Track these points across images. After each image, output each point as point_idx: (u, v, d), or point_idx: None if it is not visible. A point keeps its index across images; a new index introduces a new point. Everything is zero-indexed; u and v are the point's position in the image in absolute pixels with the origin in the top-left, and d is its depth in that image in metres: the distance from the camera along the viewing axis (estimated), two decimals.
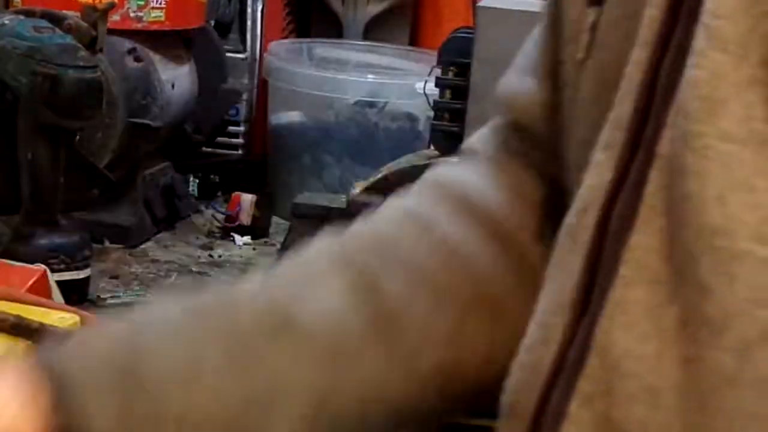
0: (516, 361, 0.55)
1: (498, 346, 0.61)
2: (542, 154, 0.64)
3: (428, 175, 0.68)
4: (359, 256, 0.62)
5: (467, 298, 0.62)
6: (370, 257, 0.62)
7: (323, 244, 0.64)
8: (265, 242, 1.52)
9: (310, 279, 0.62)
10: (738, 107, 0.44)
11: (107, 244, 1.40)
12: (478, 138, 0.69)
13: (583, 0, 0.56)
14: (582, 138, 0.55)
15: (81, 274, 1.22)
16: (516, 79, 0.66)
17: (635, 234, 0.47)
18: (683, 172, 0.45)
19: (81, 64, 1.17)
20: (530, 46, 0.66)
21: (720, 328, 0.44)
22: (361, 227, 0.65)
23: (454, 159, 0.69)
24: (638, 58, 0.49)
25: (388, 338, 0.60)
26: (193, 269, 1.39)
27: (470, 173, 0.66)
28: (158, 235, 1.48)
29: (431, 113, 1.36)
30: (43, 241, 1.20)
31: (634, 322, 0.47)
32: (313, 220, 1.40)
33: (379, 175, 1.31)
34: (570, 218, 0.52)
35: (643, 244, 0.47)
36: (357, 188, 1.32)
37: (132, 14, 1.43)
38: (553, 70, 0.61)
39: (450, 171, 0.68)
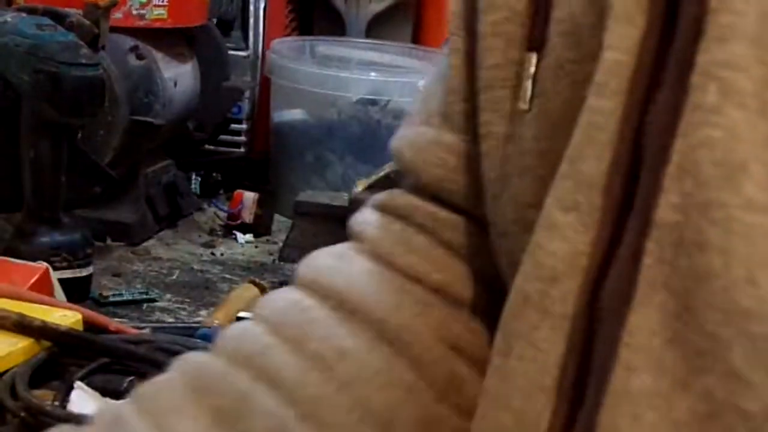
0: None
1: None
2: (457, 217, 0.58)
3: (307, 271, 0.59)
4: (224, 378, 0.55)
5: (352, 417, 0.54)
6: (236, 378, 0.55)
7: (184, 366, 0.57)
8: (267, 240, 1.52)
9: (166, 411, 0.54)
10: (759, 170, 0.38)
11: (109, 241, 1.40)
12: (370, 219, 0.61)
13: (506, 44, 0.51)
14: (523, 195, 0.49)
15: (83, 272, 1.22)
16: (420, 132, 0.59)
17: (634, 313, 0.41)
18: (701, 247, 0.39)
19: (83, 61, 1.17)
20: (432, 95, 0.59)
21: (764, 425, 0.38)
22: (224, 344, 0.57)
23: (337, 248, 0.61)
24: (603, 108, 0.43)
25: None
26: (195, 267, 1.39)
27: (350, 269, 0.59)
28: (160, 233, 1.48)
29: None
30: (45, 239, 1.20)
31: (641, 414, 0.41)
32: (315, 218, 1.40)
33: (382, 173, 1.31)
34: (527, 286, 0.46)
35: (645, 324, 0.41)
36: (359, 186, 1.32)
37: (134, 12, 1.43)
38: (470, 117, 0.55)
39: (330, 267, 0.59)
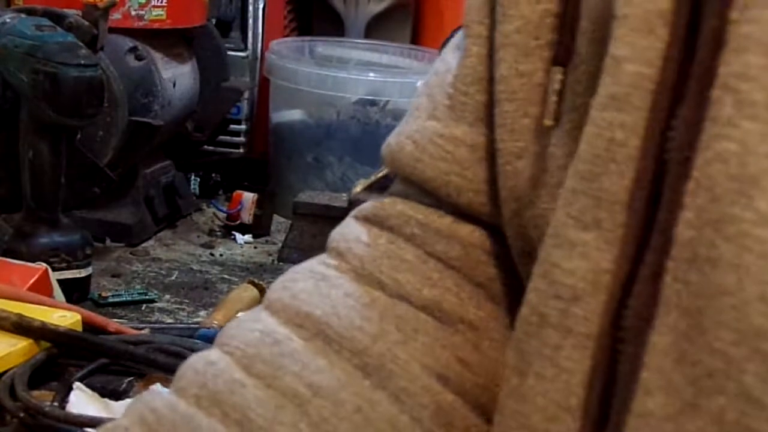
0: None
1: None
2: (455, 224, 0.55)
3: (283, 295, 0.56)
4: (187, 424, 0.51)
5: None
6: (201, 422, 0.51)
7: (143, 411, 0.53)
8: (267, 241, 1.52)
9: None
10: None
11: (108, 242, 1.41)
12: (353, 233, 0.58)
13: (516, 56, 0.50)
14: (548, 208, 0.47)
15: (82, 273, 1.22)
16: (425, 126, 0.56)
17: (655, 333, 0.40)
18: (714, 264, 0.38)
19: (82, 62, 1.17)
20: (437, 88, 0.56)
21: None
22: (189, 380, 0.53)
23: (318, 268, 0.57)
24: (625, 122, 0.42)
25: None
26: (194, 268, 1.39)
27: (331, 293, 0.55)
28: (159, 234, 1.48)
29: None
30: (45, 240, 1.20)
31: None
32: (314, 218, 1.40)
33: (381, 174, 1.31)
34: (543, 305, 0.45)
35: (661, 344, 0.40)
36: (358, 187, 1.32)
37: (133, 13, 1.43)
38: (487, 113, 0.53)
39: (308, 292, 0.56)
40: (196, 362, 0.55)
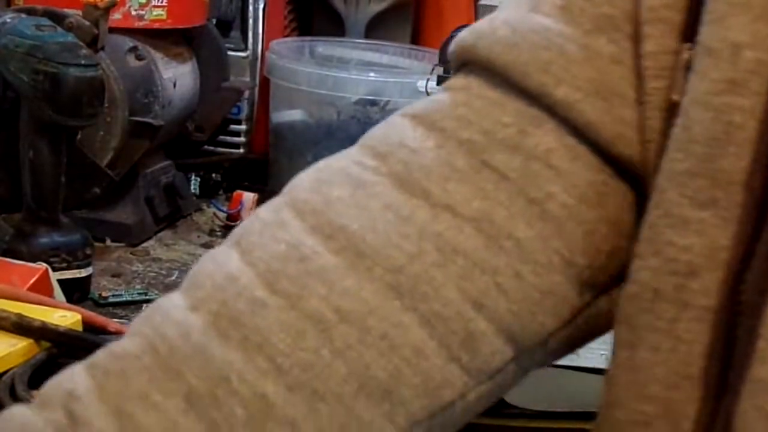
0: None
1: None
2: (526, 132, 0.52)
3: (313, 197, 0.54)
4: (202, 352, 0.49)
5: (347, 388, 0.49)
6: (216, 351, 0.49)
7: (153, 336, 0.50)
8: None
9: (130, 396, 0.48)
10: None
11: (109, 242, 1.40)
12: (397, 132, 0.54)
13: (663, 31, 0.49)
14: (672, 171, 0.47)
15: (82, 273, 1.22)
16: (527, 16, 0.52)
17: None
18: None
19: (82, 62, 1.17)
20: None
21: None
22: (208, 293, 0.51)
23: (354, 171, 0.54)
24: (743, 106, 0.43)
25: None
26: None
27: (369, 203, 0.52)
28: (160, 234, 1.48)
29: None
30: (45, 240, 1.20)
31: (763, 404, 0.42)
32: None
33: None
34: (656, 281, 0.46)
35: None
36: None
37: (134, 12, 1.43)
38: (614, 27, 0.50)
39: (344, 201, 0.53)
40: (216, 272, 0.52)
